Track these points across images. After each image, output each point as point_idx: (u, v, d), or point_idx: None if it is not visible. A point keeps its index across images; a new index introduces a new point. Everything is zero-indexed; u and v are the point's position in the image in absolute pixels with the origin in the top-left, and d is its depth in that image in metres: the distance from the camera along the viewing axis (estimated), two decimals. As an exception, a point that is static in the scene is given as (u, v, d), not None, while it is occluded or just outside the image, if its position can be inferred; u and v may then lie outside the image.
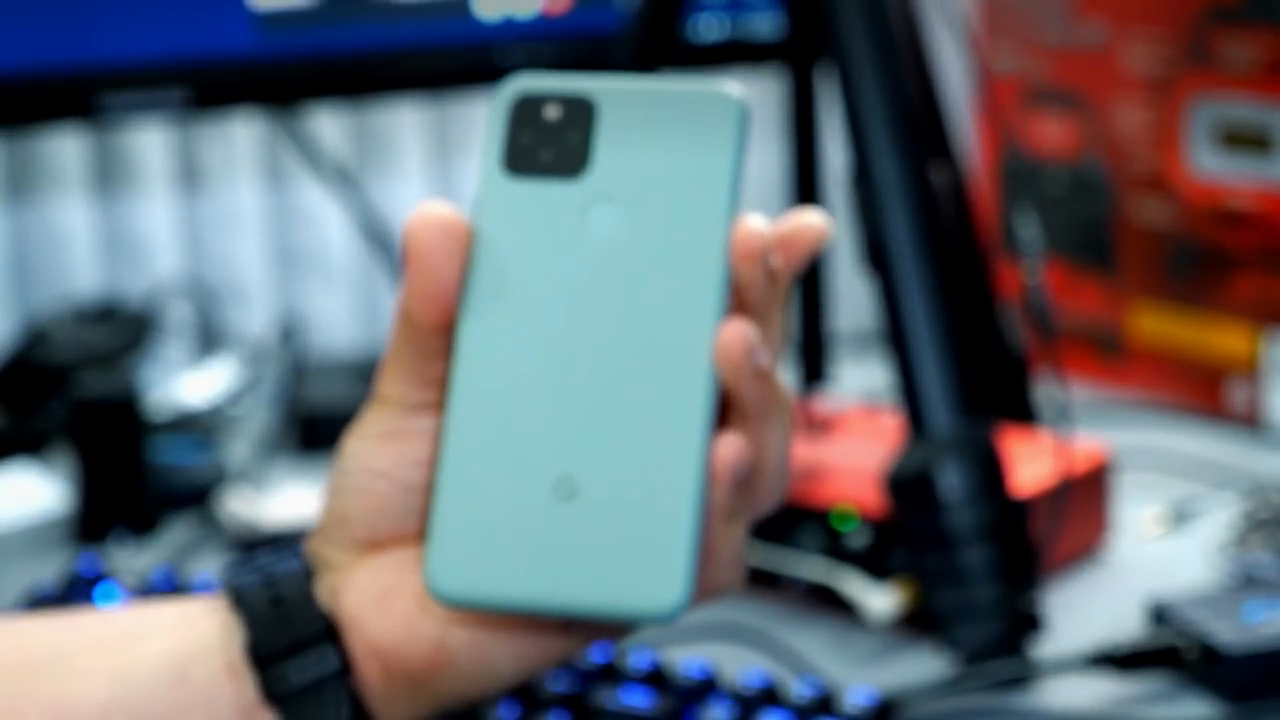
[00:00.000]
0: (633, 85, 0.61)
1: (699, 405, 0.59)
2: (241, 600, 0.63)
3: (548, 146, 0.61)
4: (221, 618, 0.64)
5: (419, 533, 0.63)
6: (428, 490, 0.63)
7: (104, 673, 0.63)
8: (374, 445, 0.62)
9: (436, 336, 0.61)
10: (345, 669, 0.63)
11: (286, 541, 0.66)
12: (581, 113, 0.61)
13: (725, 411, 0.60)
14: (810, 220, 0.62)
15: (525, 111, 0.61)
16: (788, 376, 1.19)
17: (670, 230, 0.60)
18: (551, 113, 0.61)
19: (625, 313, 0.60)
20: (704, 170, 0.60)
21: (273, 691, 0.62)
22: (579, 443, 0.59)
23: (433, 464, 0.61)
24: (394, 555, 0.64)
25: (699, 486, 0.59)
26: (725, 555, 0.61)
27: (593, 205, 0.60)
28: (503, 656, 0.63)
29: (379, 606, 0.63)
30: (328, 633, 0.63)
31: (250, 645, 0.62)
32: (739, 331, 0.59)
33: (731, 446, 0.59)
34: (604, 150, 0.61)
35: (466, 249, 0.60)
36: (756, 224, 0.60)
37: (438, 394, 0.62)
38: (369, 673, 0.63)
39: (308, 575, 0.64)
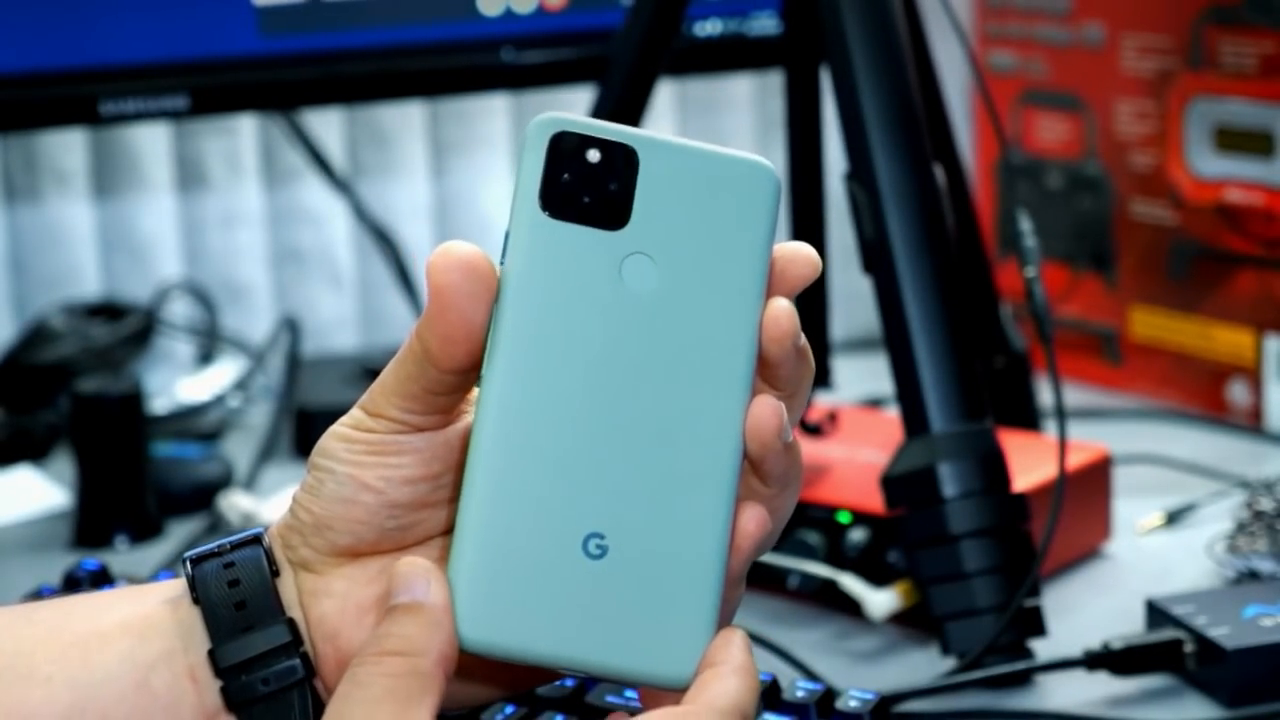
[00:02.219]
0: (673, 142, 0.61)
1: (726, 473, 0.60)
2: (204, 600, 0.63)
3: (588, 192, 0.60)
4: (183, 615, 0.63)
5: (399, 545, 0.63)
6: (413, 507, 0.63)
7: (64, 678, 0.62)
8: (364, 458, 0.62)
9: (456, 375, 0.60)
10: (309, 676, 0.62)
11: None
12: (624, 162, 0.61)
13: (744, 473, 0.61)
14: (802, 253, 0.62)
15: (565, 151, 0.61)
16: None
17: (704, 293, 0.60)
18: (592, 156, 0.61)
19: (657, 372, 0.60)
20: (740, 238, 0.61)
21: (236, 700, 0.62)
22: (611, 501, 0.59)
23: (455, 505, 0.61)
24: (373, 564, 0.63)
25: (723, 555, 0.60)
26: (726, 616, 0.62)
27: (630, 258, 0.60)
28: (475, 679, 0.63)
29: (357, 619, 0.63)
30: (293, 641, 0.62)
31: (213, 654, 0.62)
32: (772, 410, 0.60)
33: (755, 519, 0.61)
34: (644, 204, 0.61)
35: (493, 291, 0.60)
36: (786, 306, 0.61)
37: (438, 418, 0.62)
38: (337, 681, 0.62)
39: (271, 570, 0.63)
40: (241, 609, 0.62)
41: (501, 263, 0.60)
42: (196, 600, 0.63)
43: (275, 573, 0.63)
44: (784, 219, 1.18)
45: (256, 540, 0.64)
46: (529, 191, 0.60)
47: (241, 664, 0.62)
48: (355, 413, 0.63)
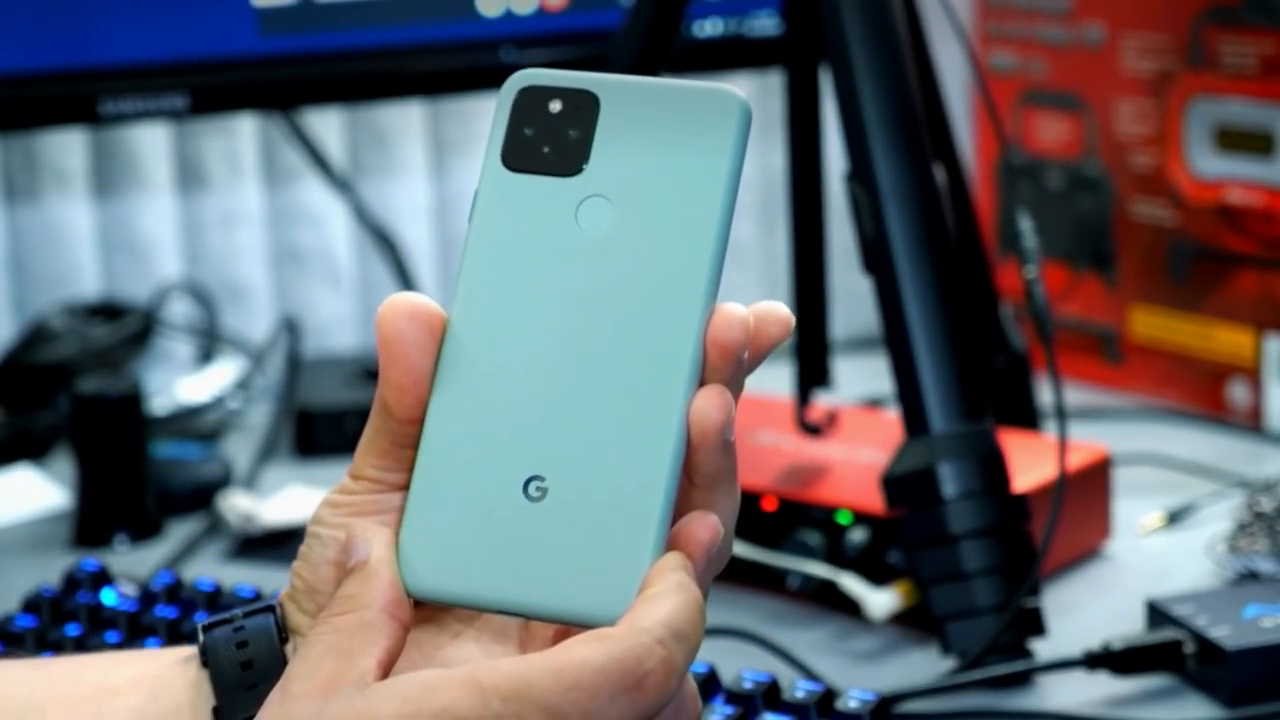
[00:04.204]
0: (637, 82, 0.60)
1: (673, 420, 0.58)
2: (213, 661, 0.63)
3: (548, 141, 0.60)
4: (193, 675, 0.63)
5: None
6: None
7: None
8: (347, 519, 0.62)
9: (413, 425, 0.60)
10: None
11: (261, 600, 0.65)
12: (583, 108, 0.60)
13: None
14: (774, 313, 0.61)
15: (529, 105, 0.60)
16: (787, 377, 1.19)
17: (661, 231, 0.59)
18: (554, 107, 0.60)
19: (608, 316, 0.59)
20: (701, 170, 0.59)
21: None
22: (553, 444, 0.59)
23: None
24: None
25: (666, 499, 0.58)
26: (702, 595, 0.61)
27: (586, 202, 0.60)
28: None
29: None
30: None
31: (218, 711, 0.62)
32: (720, 403, 0.58)
33: (707, 527, 0.59)
34: (602, 147, 0.60)
35: (439, 338, 0.60)
36: (736, 316, 0.59)
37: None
38: None
39: (280, 636, 0.63)
40: (248, 668, 0.63)
41: (469, 222, 0.61)
42: (205, 663, 0.63)
43: (285, 639, 0.64)
44: (784, 220, 1.18)
45: (269, 609, 0.64)
46: (494, 149, 0.60)
47: None
48: (343, 479, 0.63)
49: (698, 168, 0.59)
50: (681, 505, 0.60)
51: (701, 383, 0.59)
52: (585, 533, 0.58)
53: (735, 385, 0.60)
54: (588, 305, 0.59)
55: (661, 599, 0.57)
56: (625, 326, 0.59)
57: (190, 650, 0.64)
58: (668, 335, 0.59)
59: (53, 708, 0.63)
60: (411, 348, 0.60)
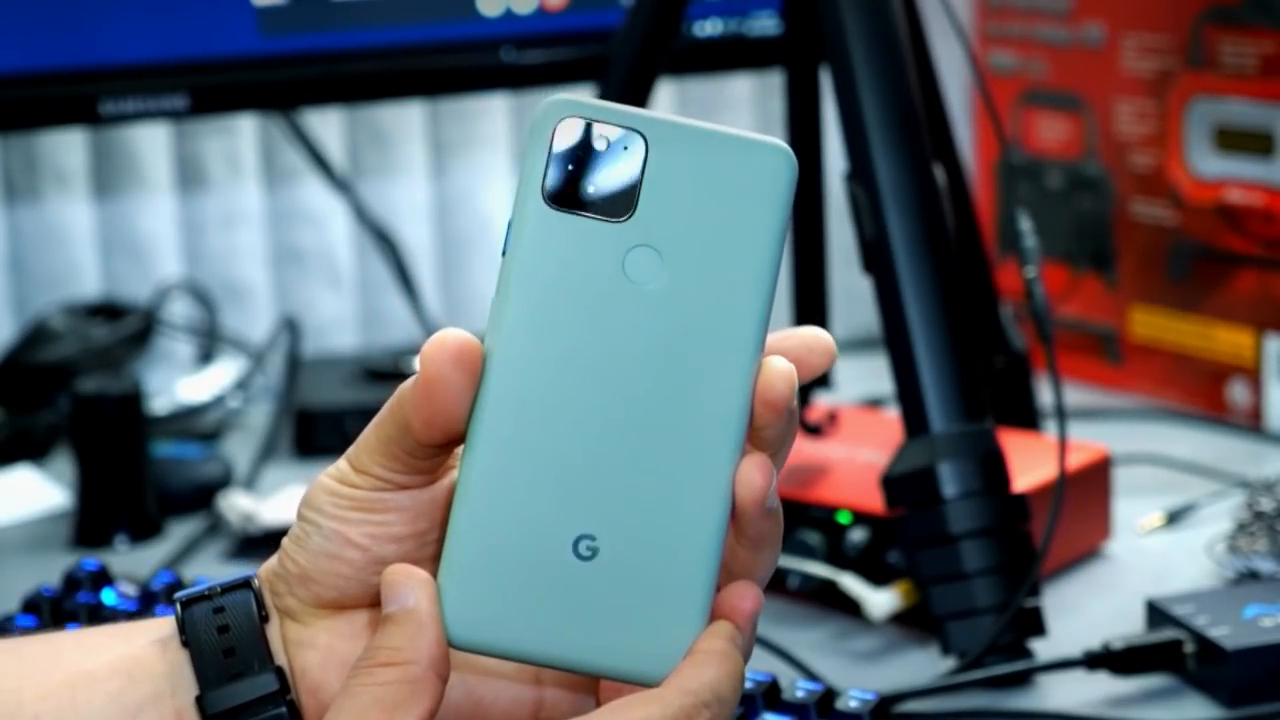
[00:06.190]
0: (683, 125, 0.60)
1: (721, 478, 0.59)
2: (194, 645, 0.63)
3: (593, 181, 0.59)
4: (173, 658, 0.63)
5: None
6: (400, 561, 0.62)
7: (52, 717, 0.62)
8: (349, 514, 0.62)
9: (433, 447, 0.60)
10: None
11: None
12: (631, 149, 0.59)
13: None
14: (821, 343, 0.62)
15: (571, 136, 0.59)
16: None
17: (710, 287, 0.59)
18: (600, 144, 0.59)
19: (657, 370, 0.59)
20: (750, 224, 0.59)
21: None
22: (603, 502, 0.59)
23: (450, 496, 0.60)
24: (358, 618, 0.63)
25: (714, 559, 0.59)
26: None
27: (634, 251, 0.59)
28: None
29: (340, 674, 0.62)
30: (280, 690, 0.62)
31: (200, 700, 0.62)
32: (762, 471, 0.59)
33: (750, 598, 0.60)
34: (651, 192, 0.59)
35: (477, 381, 0.59)
36: (783, 369, 0.60)
37: (422, 477, 0.62)
38: None
39: (261, 615, 0.63)
40: (230, 655, 0.62)
41: (503, 253, 0.59)
42: (185, 643, 0.63)
43: (265, 618, 0.63)
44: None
45: (247, 584, 0.64)
46: (533, 180, 0.59)
47: (228, 711, 0.62)
48: (342, 465, 0.62)
49: (746, 222, 0.59)
50: (727, 562, 0.60)
51: (750, 438, 0.60)
52: (634, 593, 0.59)
53: (786, 434, 0.61)
54: (635, 359, 0.59)
55: (707, 662, 0.59)
56: (674, 384, 0.59)
57: (166, 628, 0.64)
58: (717, 395, 0.59)
59: (28, 693, 0.62)
60: (452, 391, 0.59)
